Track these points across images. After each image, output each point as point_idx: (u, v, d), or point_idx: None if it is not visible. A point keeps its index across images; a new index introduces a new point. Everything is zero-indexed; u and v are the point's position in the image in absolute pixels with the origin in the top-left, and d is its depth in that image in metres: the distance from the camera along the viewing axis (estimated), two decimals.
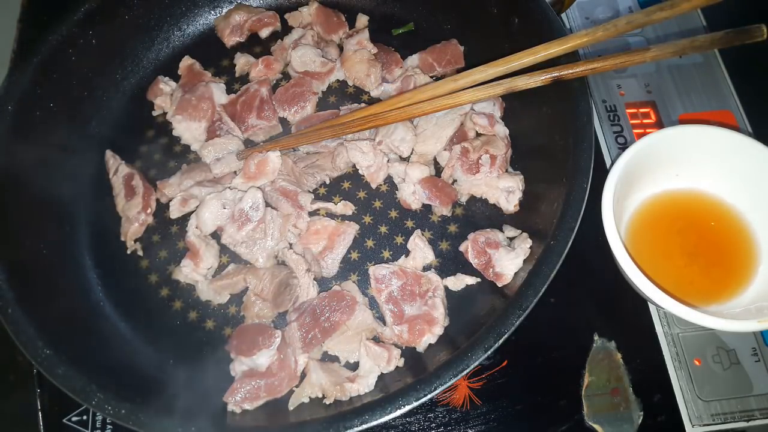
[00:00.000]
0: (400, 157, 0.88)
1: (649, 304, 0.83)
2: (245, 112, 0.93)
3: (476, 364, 0.62)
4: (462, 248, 0.82)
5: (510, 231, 0.82)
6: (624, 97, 0.98)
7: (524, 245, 0.76)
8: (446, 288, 0.80)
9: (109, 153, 0.92)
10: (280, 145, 0.88)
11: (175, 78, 1.00)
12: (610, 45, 0.97)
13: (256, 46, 1.04)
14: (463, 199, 0.87)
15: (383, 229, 0.86)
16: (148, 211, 0.88)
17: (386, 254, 0.84)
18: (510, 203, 0.83)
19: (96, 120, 0.96)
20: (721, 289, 0.76)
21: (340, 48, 1.00)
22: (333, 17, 1.02)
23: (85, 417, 0.79)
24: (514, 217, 0.84)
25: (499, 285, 0.78)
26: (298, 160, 0.89)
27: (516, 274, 0.76)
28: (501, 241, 0.79)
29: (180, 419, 0.62)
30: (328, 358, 0.77)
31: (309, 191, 0.87)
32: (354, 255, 0.85)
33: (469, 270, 0.81)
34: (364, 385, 0.71)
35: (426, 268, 0.82)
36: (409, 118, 0.81)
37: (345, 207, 0.86)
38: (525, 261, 0.76)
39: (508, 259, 0.76)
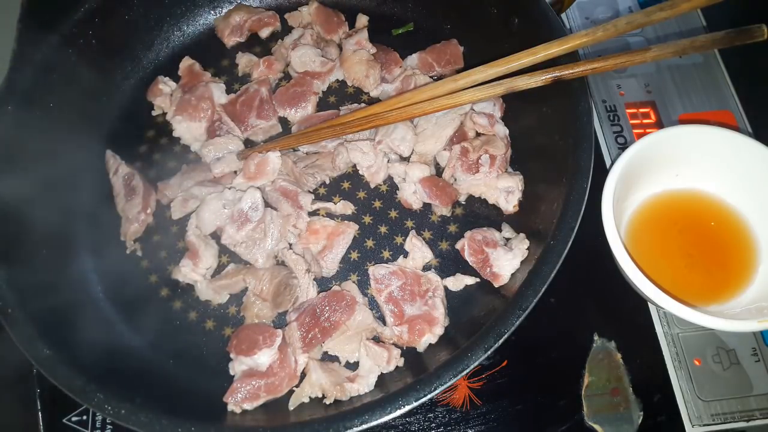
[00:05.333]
0: (401, 156, 0.88)
1: (649, 304, 0.83)
2: (245, 111, 0.93)
3: (476, 364, 0.62)
4: (458, 246, 0.82)
5: (507, 232, 0.82)
6: (624, 97, 0.98)
7: (522, 246, 0.76)
8: (446, 288, 0.80)
9: (109, 153, 0.92)
10: (280, 145, 0.88)
11: (175, 78, 1.00)
12: (610, 45, 0.97)
13: (256, 46, 1.04)
14: (462, 199, 0.87)
15: (383, 229, 0.86)
16: (148, 211, 0.88)
17: (386, 254, 0.84)
18: (509, 203, 0.83)
19: (96, 120, 0.96)
20: (721, 289, 0.76)
21: (340, 48, 1.00)
22: (333, 17, 1.02)
23: (85, 417, 0.79)
24: (514, 218, 0.84)
25: (496, 285, 0.78)
26: (298, 160, 0.89)
27: (514, 274, 0.76)
28: (498, 241, 0.79)
29: (180, 419, 0.62)
30: (328, 358, 0.77)
31: (309, 191, 0.87)
32: (354, 255, 0.85)
33: (468, 270, 0.81)
34: (364, 385, 0.71)
35: (426, 268, 0.82)
36: (409, 118, 0.81)
37: (344, 207, 0.86)
38: (524, 261, 0.76)
39: (505, 259, 0.76)
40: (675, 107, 0.97)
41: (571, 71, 0.71)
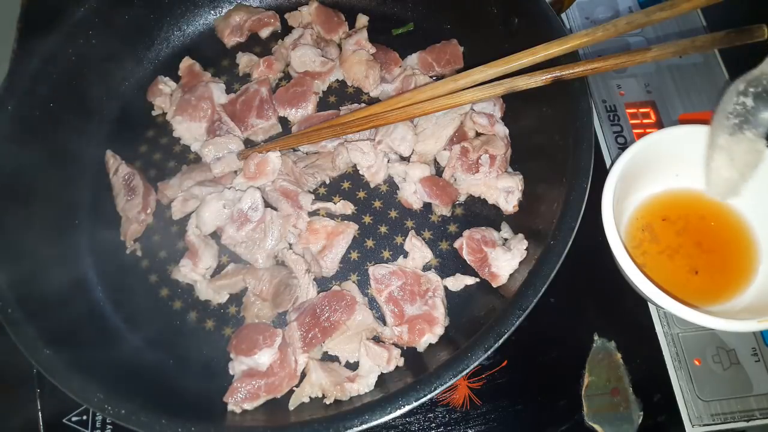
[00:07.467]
0: (401, 156, 0.88)
1: (649, 304, 0.83)
2: (245, 111, 0.93)
3: (476, 364, 0.62)
4: (457, 245, 0.82)
5: (506, 232, 0.82)
6: (624, 97, 0.98)
7: (520, 246, 0.76)
8: (446, 288, 0.80)
9: (109, 153, 0.92)
10: (280, 145, 0.88)
11: (175, 78, 1.00)
12: (610, 45, 0.97)
13: (256, 46, 1.04)
14: (462, 199, 0.87)
15: (383, 229, 0.86)
16: (148, 211, 0.88)
17: (386, 254, 0.84)
18: (509, 203, 0.83)
19: (96, 120, 0.96)
20: (721, 289, 0.76)
21: (340, 48, 1.00)
22: (333, 17, 1.02)
23: (85, 417, 0.79)
24: (514, 218, 0.84)
25: (494, 285, 0.78)
26: (298, 160, 0.89)
27: (513, 275, 0.76)
28: (497, 240, 0.79)
29: (180, 419, 0.62)
30: (328, 358, 0.77)
31: (309, 191, 0.87)
32: (354, 255, 0.85)
33: (468, 270, 0.81)
34: (364, 385, 0.71)
35: (426, 268, 0.82)
36: (410, 118, 0.81)
37: (344, 207, 0.86)
38: (524, 261, 0.76)
39: (504, 259, 0.76)
40: (675, 107, 0.97)
41: (571, 71, 0.71)
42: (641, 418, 0.75)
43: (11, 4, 1.14)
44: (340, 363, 0.76)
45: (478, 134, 0.89)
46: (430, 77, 0.95)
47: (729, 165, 0.74)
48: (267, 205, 0.85)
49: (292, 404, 0.72)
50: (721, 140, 0.72)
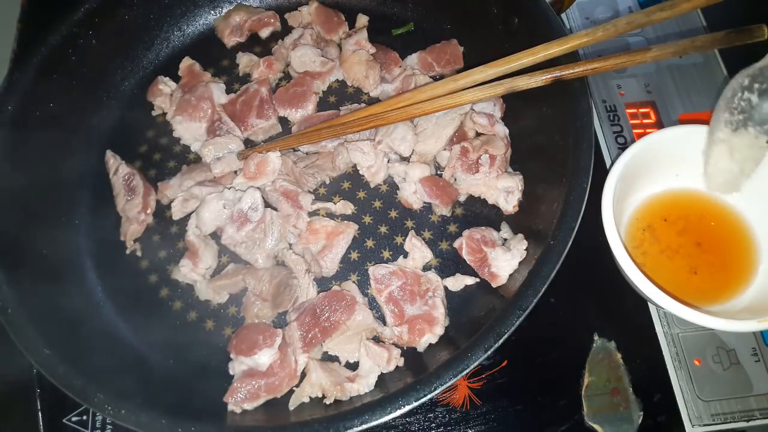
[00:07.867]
0: (401, 156, 0.88)
1: (649, 304, 0.83)
2: (245, 111, 0.93)
3: (476, 364, 0.62)
4: (456, 245, 0.82)
5: (506, 232, 0.82)
6: (624, 97, 0.98)
7: (520, 246, 0.76)
8: (446, 288, 0.80)
9: (109, 153, 0.92)
10: (280, 145, 0.88)
11: (175, 78, 1.00)
12: (610, 45, 0.97)
13: (256, 46, 1.04)
14: (462, 199, 0.87)
15: (383, 229, 0.86)
16: (148, 211, 0.88)
17: (386, 254, 0.84)
18: (509, 203, 0.83)
19: (96, 120, 0.96)
20: (721, 289, 0.76)
21: (340, 48, 1.00)
22: (333, 17, 1.02)
23: (85, 417, 0.79)
24: (514, 218, 0.84)
25: (494, 285, 0.77)
26: (298, 160, 0.89)
27: (513, 275, 0.76)
28: (497, 240, 0.79)
29: (180, 419, 0.62)
30: (328, 358, 0.77)
31: (309, 191, 0.87)
32: (354, 255, 0.85)
33: (468, 270, 0.81)
34: (364, 385, 0.71)
35: (426, 268, 0.82)
36: (410, 118, 0.81)
37: (344, 207, 0.86)
38: (524, 261, 0.75)
39: (504, 259, 0.76)
40: (675, 107, 0.97)
41: (571, 71, 0.71)
42: (641, 418, 0.75)
43: (11, 4, 1.15)
44: (340, 363, 0.76)
45: (478, 134, 0.89)
46: (430, 77, 0.95)
47: (728, 156, 0.73)
48: (267, 205, 0.85)
49: (292, 404, 0.72)
50: (721, 134, 0.72)
